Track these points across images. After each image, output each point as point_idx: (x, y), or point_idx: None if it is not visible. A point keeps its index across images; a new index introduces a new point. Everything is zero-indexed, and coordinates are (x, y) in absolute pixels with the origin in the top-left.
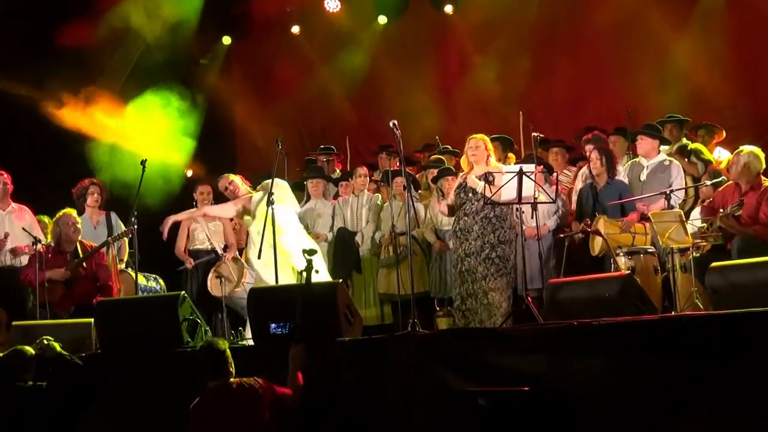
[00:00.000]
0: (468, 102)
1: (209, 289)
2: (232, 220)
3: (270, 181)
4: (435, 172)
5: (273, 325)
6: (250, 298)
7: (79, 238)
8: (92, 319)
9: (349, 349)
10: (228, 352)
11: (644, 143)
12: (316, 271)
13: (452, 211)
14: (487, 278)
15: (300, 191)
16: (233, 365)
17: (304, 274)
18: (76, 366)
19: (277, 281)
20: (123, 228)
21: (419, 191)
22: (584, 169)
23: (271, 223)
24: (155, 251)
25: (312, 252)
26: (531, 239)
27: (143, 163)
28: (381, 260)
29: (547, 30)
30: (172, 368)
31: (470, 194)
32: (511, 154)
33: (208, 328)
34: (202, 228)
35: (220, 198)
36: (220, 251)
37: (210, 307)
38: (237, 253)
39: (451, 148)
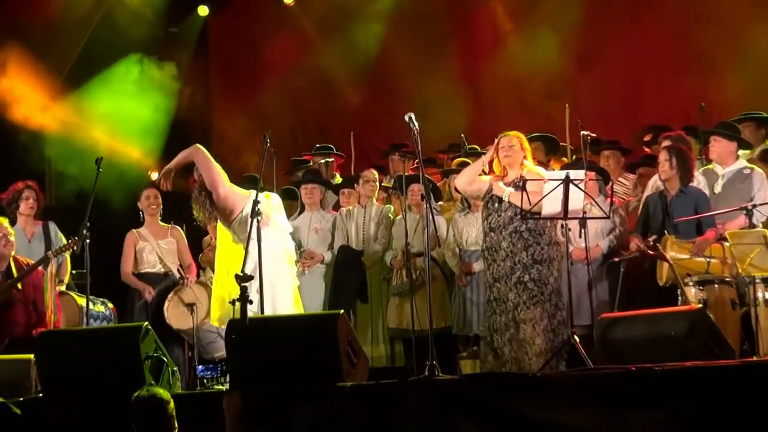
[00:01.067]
0: (501, 92)
1: (167, 319)
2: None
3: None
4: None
5: (200, 367)
6: (229, 330)
7: (13, 252)
8: (32, 355)
9: (352, 397)
10: (172, 405)
11: (719, 146)
12: (250, 302)
13: (472, 180)
14: (518, 307)
15: (291, 199)
16: (176, 422)
17: (237, 304)
18: (12, 416)
19: (262, 310)
20: (65, 241)
21: (440, 202)
22: (655, 178)
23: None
24: (106, 268)
25: (246, 278)
26: (579, 263)
27: (98, 161)
28: (392, 287)
29: (600, 3)
30: (130, 416)
31: (497, 204)
32: (554, 158)
33: (176, 369)
34: (152, 247)
35: (171, 205)
36: (177, 274)
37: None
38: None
39: (480, 149)
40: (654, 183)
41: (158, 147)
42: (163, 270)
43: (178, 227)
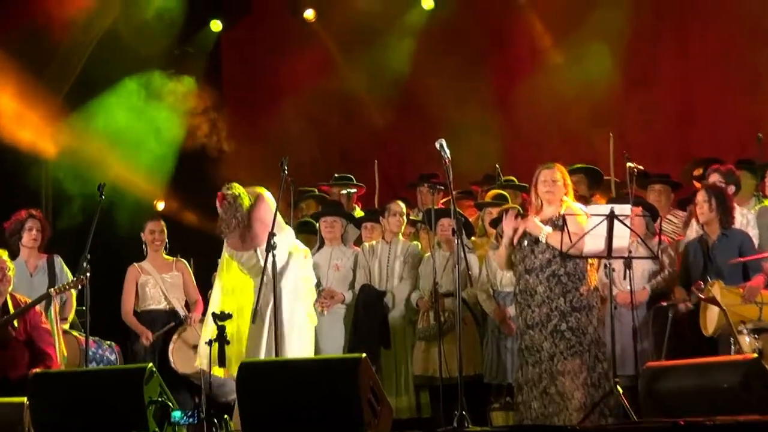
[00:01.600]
0: (540, 117)
1: (171, 363)
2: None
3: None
4: (494, 212)
5: (177, 414)
6: (241, 374)
7: (10, 289)
8: (25, 398)
9: None
10: None
11: None
12: (227, 342)
13: (510, 262)
14: (555, 358)
15: (308, 233)
16: None
17: (215, 344)
18: None
19: (277, 352)
20: (71, 277)
21: (473, 238)
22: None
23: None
24: (110, 305)
25: (225, 317)
26: (623, 308)
27: (101, 188)
28: (418, 331)
29: (649, 22)
30: None
31: (533, 244)
32: (599, 193)
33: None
34: (156, 281)
35: (179, 239)
36: (182, 311)
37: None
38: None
39: (516, 181)
40: (693, 225)
41: (166, 173)
42: (167, 306)
43: (184, 260)
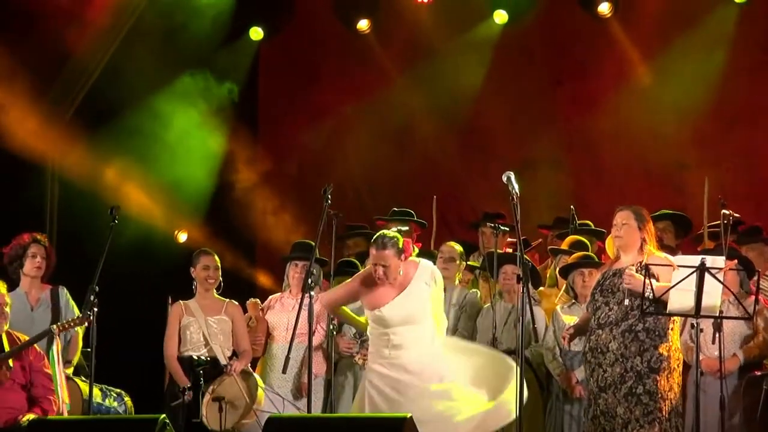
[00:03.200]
0: (622, 155)
1: (203, 419)
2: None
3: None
4: (566, 259)
5: None
6: (266, 429)
7: (6, 327)
8: None
9: None
10: None
11: None
12: (202, 395)
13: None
14: (630, 425)
15: (351, 274)
16: None
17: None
18: None
19: (310, 408)
20: (77, 312)
21: (540, 288)
22: None
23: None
24: (122, 350)
25: (201, 362)
26: (710, 376)
27: (113, 211)
28: None
29: (755, 56)
30: None
31: (609, 296)
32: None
33: None
34: (199, 325)
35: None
36: (223, 360)
37: None
38: (249, 365)
39: (592, 226)
40: None
41: (198, 201)
42: (207, 355)
43: (237, 303)
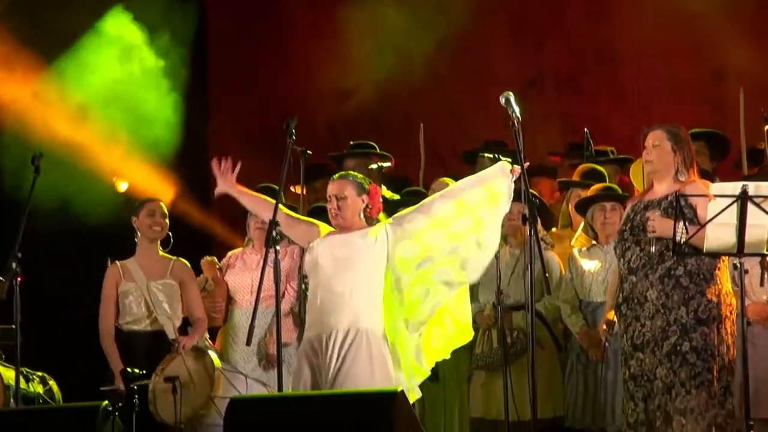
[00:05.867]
0: (647, 66)
1: (151, 406)
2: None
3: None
4: (582, 193)
5: None
6: (229, 416)
7: None
8: None
9: None
10: None
11: None
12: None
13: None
14: (674, 389)
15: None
16: None
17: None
18: None
19: (281, 384)
20: None
21: (553, 229)
22: None
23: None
24: (47, 324)
25: (135, 376)
26: (759, 325)
27: (35, 160)
28: (476, 357)
29: None
30: None
31: (640, 234)
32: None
33: None
34: (141, 291)
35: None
36: (172, 333)
37: None
38: (207, 337)
39: (614, 153)
40: None
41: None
42: (150, 328)
43: (186, 262)
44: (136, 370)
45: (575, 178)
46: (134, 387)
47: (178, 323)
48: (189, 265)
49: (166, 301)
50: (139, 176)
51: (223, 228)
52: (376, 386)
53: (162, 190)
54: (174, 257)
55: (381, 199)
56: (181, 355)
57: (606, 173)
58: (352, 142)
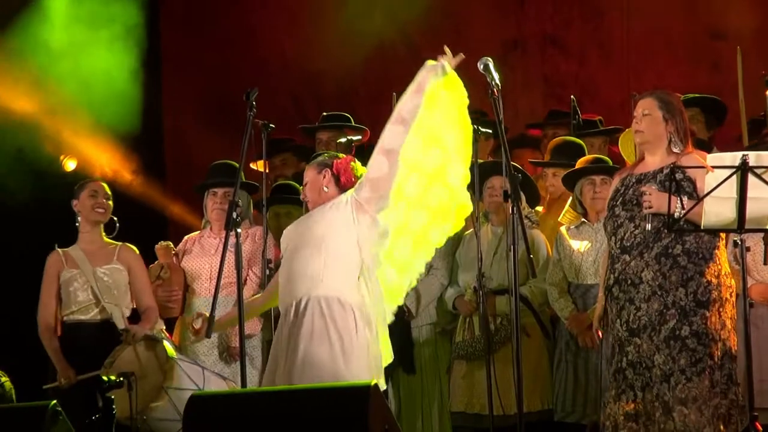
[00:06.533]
0: (637, 27)
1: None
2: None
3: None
4: (552, 172)
5: None
6: (189, 413)
7: None
8: None
9: None
10: None
11: None
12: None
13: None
14: (672, 378)
15: (290, 204)
16: None
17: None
18: None
19: (244, 379)
20: None
21: (537, 207)
22: None
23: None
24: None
25: (111, 383)
26: (763, 307)
27: None
28: (457, 346)
29: None
30: None
31: (634, 209)
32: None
33: None
34: (86, 278)
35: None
36: (121, 323)
37: None
38: (162, 326)
39: (602, 123)
40: None
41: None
42: (98, 317)
43: (133, 247)
44: (113, 377)
45: (546, 157)
46: (112, 397)
47: (127, 312)
48: (137, 250)
49: (114, 288)
50: (90, 154)
51: (179, 208)
52: (336, 357)
53: (115, 168)
54: (119, 243)
55: (353, 169)
56: (132, 345)
57: (584, 145)
58: (325, 113)
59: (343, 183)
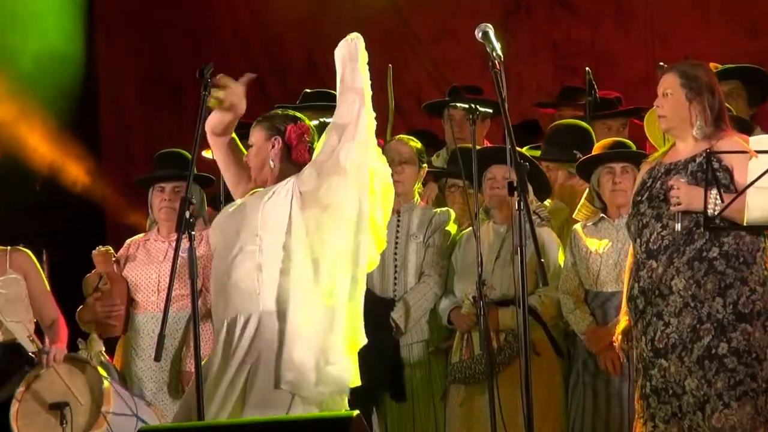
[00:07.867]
0: None
1: None
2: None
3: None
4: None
5: None
6: None
7: None
8: None
9: None
10: None
11: None
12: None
13: None
14: (708, 405)
15: None
16: None
17: None
18: None
19: (200, 410)
20: None
21: (547, 201)
22: None
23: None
24: None
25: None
26: None
27: None
28: (452, 368)
29: None
30: None
31: (662, 206)
32: None
33: None
34: None
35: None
36: (29, 345)
37: None
38: (102, 347)
39: (620, 101)
40: None
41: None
42: (1, 338)
43: (27, 250)
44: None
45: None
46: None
47: (31, 327)
48: (30, 253)
49: (13, 302)
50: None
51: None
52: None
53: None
54: (8, 247)
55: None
56: (54, 369)
57: (590, 130)
58: (307, 90)
59: (294, 158)
